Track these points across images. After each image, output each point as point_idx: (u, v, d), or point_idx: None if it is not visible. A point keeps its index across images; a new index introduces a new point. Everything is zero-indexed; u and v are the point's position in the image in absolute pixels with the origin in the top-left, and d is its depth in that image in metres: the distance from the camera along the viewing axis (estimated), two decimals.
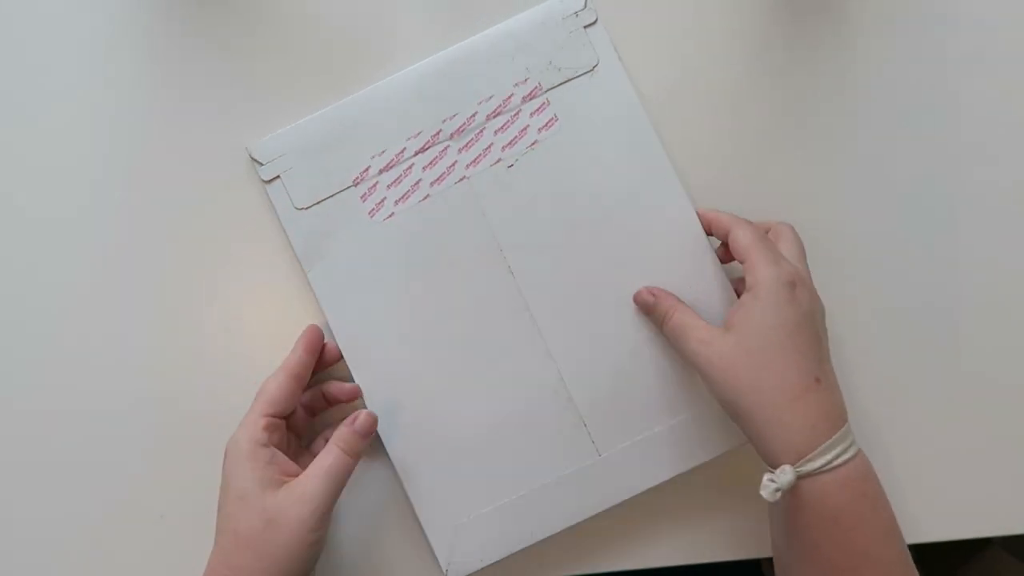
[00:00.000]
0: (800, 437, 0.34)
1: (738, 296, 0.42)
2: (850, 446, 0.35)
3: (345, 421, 0.39)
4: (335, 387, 0.42)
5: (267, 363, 0.41)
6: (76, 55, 0.44)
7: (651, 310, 0.41)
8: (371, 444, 0.41)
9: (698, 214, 0.42)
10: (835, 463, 0.34)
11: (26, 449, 0.44)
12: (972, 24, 0.44)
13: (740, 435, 0.41)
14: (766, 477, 0.34)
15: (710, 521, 0.44)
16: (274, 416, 0.39)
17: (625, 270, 0.43)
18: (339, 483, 0.37)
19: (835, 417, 0.35)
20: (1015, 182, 0.44)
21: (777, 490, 0.34)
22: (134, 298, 0.44)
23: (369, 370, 0.43)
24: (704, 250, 0.42)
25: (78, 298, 0.44)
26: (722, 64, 0.44)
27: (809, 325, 0.36)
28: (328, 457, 0.37)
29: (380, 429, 0.42)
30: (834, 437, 0.35)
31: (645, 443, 0.42)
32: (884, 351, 0.44)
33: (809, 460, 0.34)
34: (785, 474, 0.34)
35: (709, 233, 0.43)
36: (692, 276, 0.42)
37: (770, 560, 0.41)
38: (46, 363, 0.44)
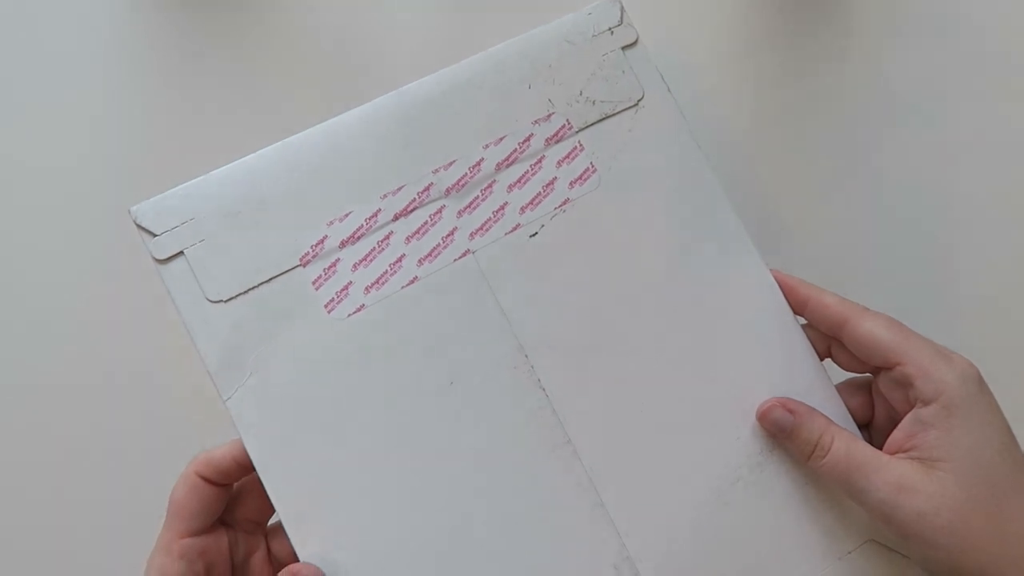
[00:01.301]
0: None
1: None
2: None
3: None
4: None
5: None
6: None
7: (790, 435, 0.29)
8: None
9: (783, 288, 0.31)
10: None
11: (25, 449, 0.41)
12: (973, 24, 0.43)
13: None
14: None
15: None
16: (193, 535, 0.29)
17: (698, 375, 0.30)
18: None
19: None
20: (1015, 182, 0.42)
21: None
22: (141, 312, 0.42)
23: (327, 546, 0.27)
24: (797, 338, 0.31)
25: (84, 309, 0.42)
26: (718, 65, 0.43)
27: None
28: None
29: None
30: None
31: None
32: None
33: None
34: None
35: (798, 313, 0.31)
36: (784, 373, 0.31)
37: None
38: (47, 363, 0.42)
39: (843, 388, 0.32)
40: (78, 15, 0.43)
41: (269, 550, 0.32)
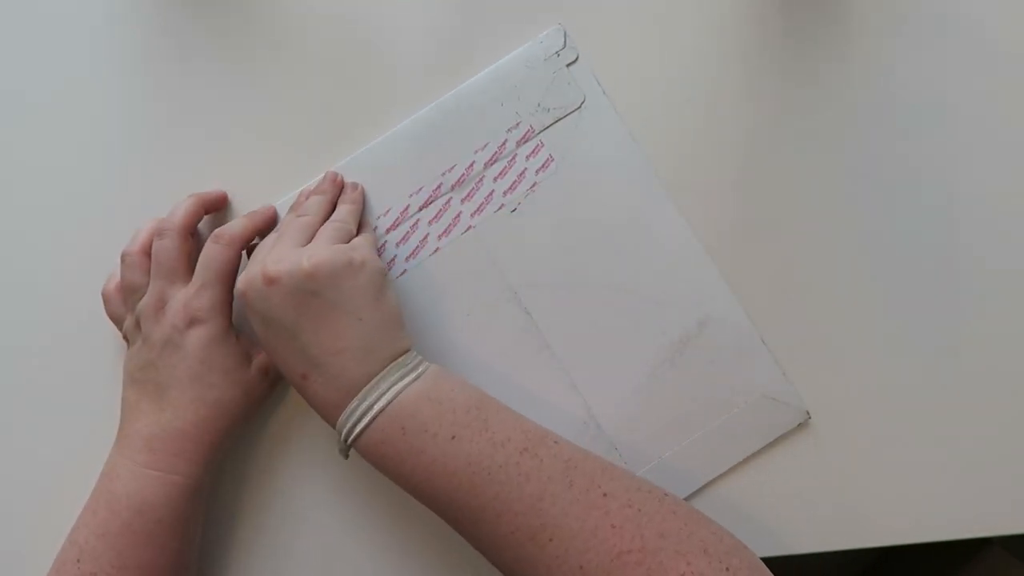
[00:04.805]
0: (329, 419, 0.38)
1: (744, 309, 0.45)
2: (360, 419, 0.37)
3: None
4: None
5: None
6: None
7: None
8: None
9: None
10: (352, 437, 0.37)
11: (25, 449, 0.45)
12: (973, 24, 0.44)
13: (758, 439, 0.43)
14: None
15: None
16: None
17: (634, 295, 0.44)
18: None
19: (335, 402, 0.37)
20: (1016, 182, 0.44)
21: (342, 452, 0.38)
22: None
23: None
24: (706, 266, 0.44)
25: (84, 309, 0.44)
26: (718, 66, 0.44)
27: (275, 329, 0.37)
28: None
29: None
30: (338, 422, 0.37)
31: (674, 458, 0.44)
32: (883, 350, 0.44)
33: (342, 438, 0.38)
34: (339, 444, 0.38)
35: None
36: (696, 293, 0.44)
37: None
38: (48, 363, 0.45)
39: None
40: (79, 14, 0.44)
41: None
